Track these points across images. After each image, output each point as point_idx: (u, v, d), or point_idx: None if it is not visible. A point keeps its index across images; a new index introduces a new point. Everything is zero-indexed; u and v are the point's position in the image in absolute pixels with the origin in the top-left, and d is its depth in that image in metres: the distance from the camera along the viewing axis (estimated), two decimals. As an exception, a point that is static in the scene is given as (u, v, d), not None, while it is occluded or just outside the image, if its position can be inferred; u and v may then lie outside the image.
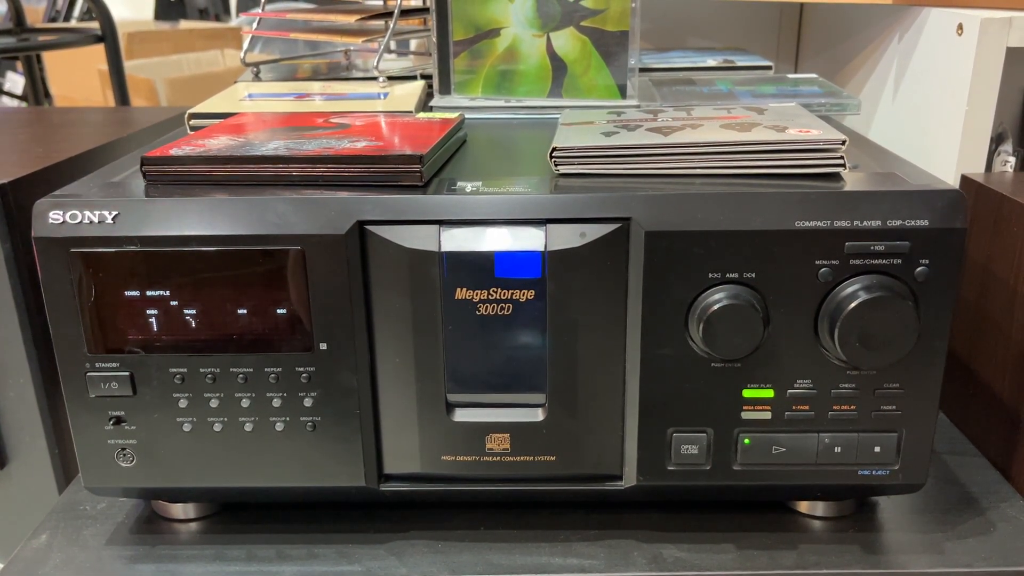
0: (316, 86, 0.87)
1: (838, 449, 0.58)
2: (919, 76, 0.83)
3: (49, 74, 2.74)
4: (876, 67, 0.92)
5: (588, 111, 0.71)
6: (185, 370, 0.58)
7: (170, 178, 0.58)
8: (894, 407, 0.57)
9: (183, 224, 0.55)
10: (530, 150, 0.69)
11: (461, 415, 0.59)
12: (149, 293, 0.56)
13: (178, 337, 0.57)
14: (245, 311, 0.56)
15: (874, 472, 0.59)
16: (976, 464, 0.71)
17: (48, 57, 2.65)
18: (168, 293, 0.56)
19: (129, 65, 2.35)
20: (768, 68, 0.95)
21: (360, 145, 0.59)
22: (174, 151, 0.59)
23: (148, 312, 0.56)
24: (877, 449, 0.58)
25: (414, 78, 0.92)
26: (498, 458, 0.60)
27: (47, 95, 2.79)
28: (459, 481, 0.61)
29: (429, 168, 0.58)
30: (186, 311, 0.56)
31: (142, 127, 1.01)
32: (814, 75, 0.89)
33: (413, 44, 1.22)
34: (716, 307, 0.54)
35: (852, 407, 0.57)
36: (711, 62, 0.98)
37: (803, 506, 0.64)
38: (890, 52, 0.89)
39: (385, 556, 0.61)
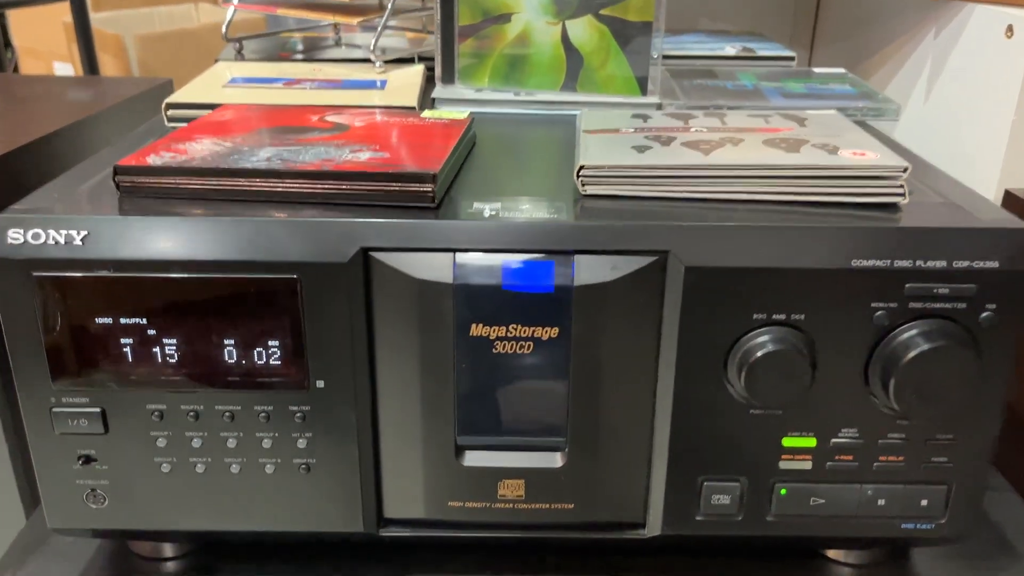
0: (305, 69, 0.80)
1: (882, 502, 0.54)
2: (958, 78, 0.78)
3: (12, 26, 2.60)
4: (905, 64, 0.86)
5: (609, 113, 0.65)
6: (164, 407, 0.51)
7: (147, 191, 0.51)
8: (945, 459, 0.53)
9: (162, 246, 0.48)
10: (548, 157, 0.63)
11: (472, 459, 0.53)
12: (123, 321, 0.49)
13: (155, 371, 0.50)
14: (232, 343, 0.50)
15: (918, 526, 0.55)
16: (1010, 501, 0.67)
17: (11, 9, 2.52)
18: (144, 322, 0.50)
19: (96, 18, 2.23)
20: (791, 59, 0.89)
21: (364, 157, 0.52)
22: (152, 159, 0.52)
23: (121, 342, 0.50)
24: (924, 503, 0.54)
25: (412, 60, 0.85)
26: (511, 505, 0.54)
27: (8, 45, 2.66)
28: (467, 527, 0.55)
29: (441, 186, 0.51)
30: (165, 342, 0.50)
31: (113, 103, 0.93)
32: (842, 70, 0.83)
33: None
34: (760, 352, 0.49)
35: (900, 458, 0.53)
36: (729, 50, 0.91)
37: (832, 552, 0.60)
38: (923, 48, 0.83)
39: (384, 606, 0.56)
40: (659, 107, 0.71)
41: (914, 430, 0.52)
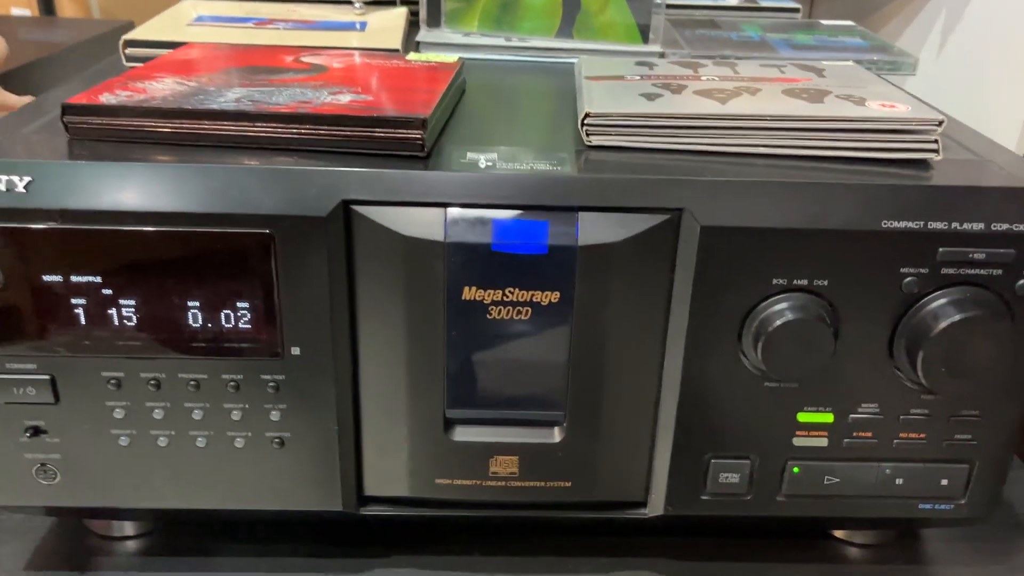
0: (278, 9, 0.73)
1: (900, 481, 0.50)
2: (976, 31, 0.73)
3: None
4: (917, 16, 0.82)
5: (610, 59, 0.60)
6: (121, 374, 0.46)
7: (100, 133, 0.46)
8: (969, 436, 0.49)
9: (117, 196, 0.43)
10: (544, 107, 0.58)
11: (462, 434, 0.49)
12: (73, 279, 0.44)
13: (111, 335, 0.45)
14: (197, 305, 0.45)
15: (936, 506, 0.51)
16: (1021, 480, 0.64)
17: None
18: (98, 280, 0.44)
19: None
20: (795, 11, 0.84)
21: (345, 100, 0.47)
22: (106, 98, 0.46)
23: (72, 303, 0.45)
24: (944, 482, 0.50)
25: (393, 2, 0.79)
26: (503, 483, 0.50)
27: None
28: (454, 506, 0.51)
29: (431, 133, 0.46)
30: (121, 303, 0.45)
31: (69, 44, 0.86)
32: (851, 23, 0.78)
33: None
34: (780, 321, 0.44)
35: (922, 435, 0.49)
36: None
37: (841, 532, 0.57)
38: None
39: (364, 590, 0.52)
40: (662, 56, 0.66)
41: (938, 405, 0.48)
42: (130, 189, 0.43)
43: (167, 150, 0.45)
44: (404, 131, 0.45)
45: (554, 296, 0.45)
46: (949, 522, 0.52)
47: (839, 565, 0.55)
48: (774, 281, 0.45)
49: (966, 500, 0.51)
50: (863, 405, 0.48)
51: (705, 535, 0.56)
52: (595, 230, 0.44)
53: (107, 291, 0.44)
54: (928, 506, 0.51)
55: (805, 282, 0.45)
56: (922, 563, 0.55)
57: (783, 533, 0.56)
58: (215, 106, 0.46)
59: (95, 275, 0.44)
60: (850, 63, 0.60)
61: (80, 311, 0.45)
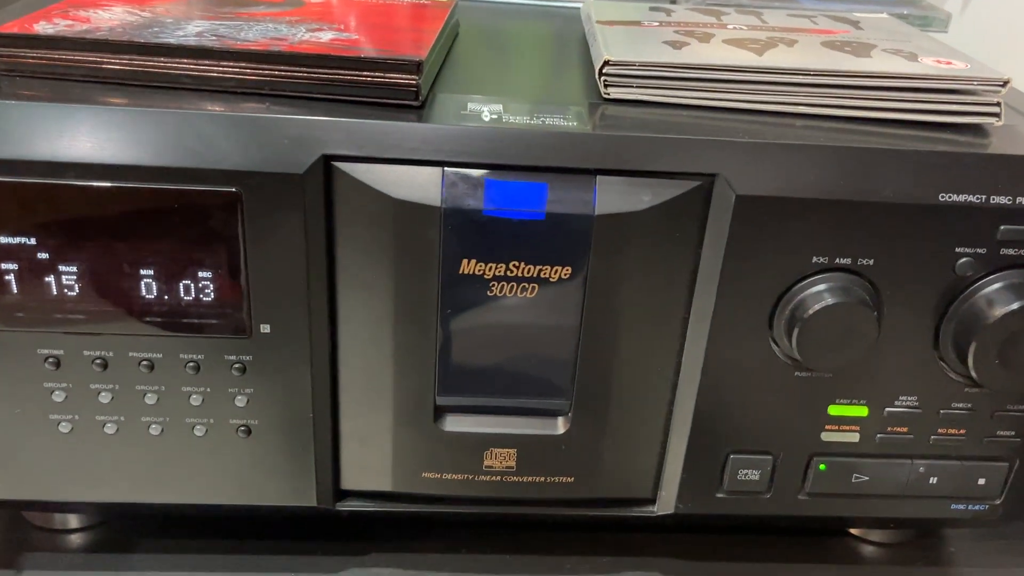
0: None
1: (933, 480, 0.46)
2: (1006, -12, 0.68)
3: None
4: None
5: (621, 4, 0.54)
6: (60, 352, 0.40)
7: (35, 68, 0.39)
8: (1012, 432, 0.45)
9: (55, 143, 0.36)
10: (548, 56, 0.52)
11: (454, 423, 0.43)
12: (3, 241, 0.38)
13: (49, 305, 0.39)
14: (151, 274, 0.39)
15: (969, 507, 0.47)
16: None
17: None
18: (33, 242, 0.38)
19: None
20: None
21: (325, 38, 0.41)
22: (42, 27, 0.39)
23: (2, 268, 0.38)
24: (981, 481, 0.46)
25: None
26: (499, 478, 0.45)
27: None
28: (442, 502, 0.46)
29: (426, 79, 0.40)
30: (61, 269, 0.38)
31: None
32: (871, -25, 0.72)
33: None
34: (819, 305, 0.39)
35: (961, 431, 0.44)
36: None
37: (857, 528, 0.52)
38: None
39: (339, 592, 0.46)
40: (674, 1, 0.60)
41: (983, 400, 0.44)
42: (70, 136, 0.36)
43: (115, 91, 0.38)
44: (395, 75, 0.38)
45: (564, 271, 0.39)
46: (981, 523, 0.48)
47: (857, 566, 0.51)
48: (814, 259, 0.40)
49: (1002, 500, 0.47)
50: (901, 398, 0.43)
51: (710, 532, 0.51)
52: (615, 197, 0.38)
53: (43, 255, 0.38)
54: (961, 506, 0.47)
55: (848, 261, 0.40)
56: (944, 564, 0.51)
57: (795, 531, 0.52)
58: (172, 41, 0.39)
59: (29, 236, 0.37)
60: (884, 15, 0.54)
61: (11, 277, 0.38)
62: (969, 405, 0.44)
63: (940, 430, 0.44)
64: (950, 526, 0.50)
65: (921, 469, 0.45)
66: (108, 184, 0.36)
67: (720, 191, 0.38)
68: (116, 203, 0.37)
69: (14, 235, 0.37)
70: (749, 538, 0.51)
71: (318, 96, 0.39)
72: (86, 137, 0.36)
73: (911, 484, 0.46)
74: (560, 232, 0.39)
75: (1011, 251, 0.40)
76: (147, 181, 0.37)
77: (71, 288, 0.39)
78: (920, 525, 0.50)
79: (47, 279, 0.38)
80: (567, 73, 0.47)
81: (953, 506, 0.47)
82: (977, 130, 0.42)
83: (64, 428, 0.42)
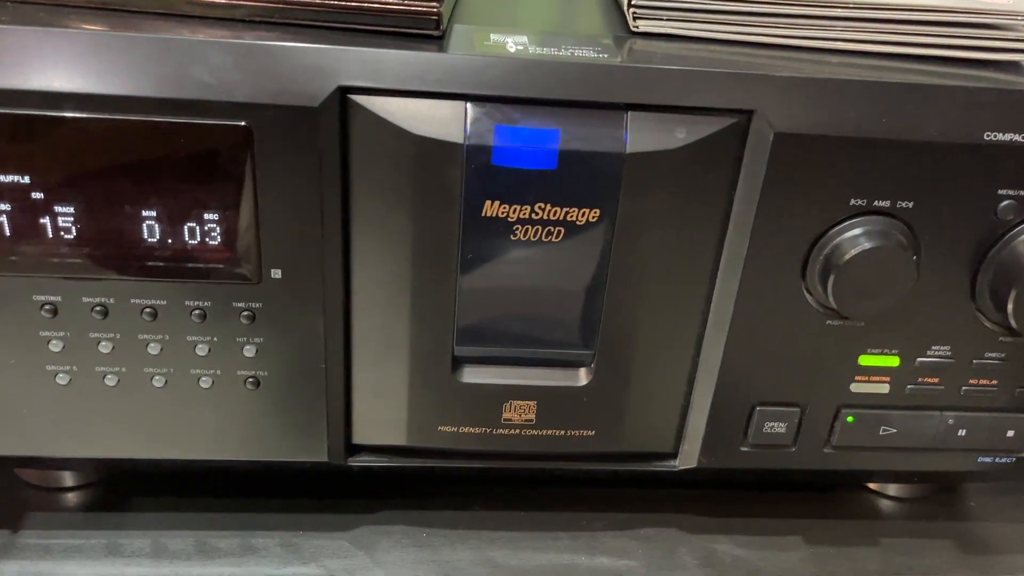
0: None
1: (963, 432, 0.44)
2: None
3: None
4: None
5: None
6: (58, 298, 0.38)
7: (26, -8, 0.36)
8: (1045, 383, 0.44)
9: (51, 73, 0.34)
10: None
11: (472, 375, 0.42)
12: (-5, 179, 0.35)
13: (45, 249, 0.36)
14: (154, 216, 0.36)
15: (996, 460, 0.46)
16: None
17: None
18: (28, 181, 0.35)
19: None
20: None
21: (338, -37, 0.38)
22: (32, -53, 0.37)
23: (-5, 209, 0.36)
24: (1010, 434, 0.45)
25: None
26: (518, 431, 0.43)
27: None
28: (458, 456, 0.44)
29: (447, 7, 0.38)
30: (58, 210, 0.36)
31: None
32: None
33: None
34: (856, 250, 0.38)
35: (993, 382, 0.43)
36: None
37: (874, 483, 0.51)
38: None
39: (350, 551, 0.45)
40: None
41: (1017, 349, 0.42)
42: (67, 64, 0.34)
43: (115, 17, 0.36)
44: (415, 2, 0.36)
45: (593, 214, 0.38)
46: (1007, 476, 0.47)
47: (877, 521, 0.50)
48: (852, 201, 0.38)
49: (1028, 453, 0.46)
50: (933, 347, 0.42)
51: (727, 487, 0.50)
52: (647, 134, 0.36)
53: (38, 194, 0.35)
54: (988, 459, 0.46)
55: (887, 203, 0.38)
56: (964, 518, 0.50)
57: (811, 486, 0.51)
58: (175, -36, 0.36)
59: (22, 174, 0.35)
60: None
61: (4, 219, 0.36)
62: (1003, 355, 0.42)
63: (972, 380, 0.43)
64: (974, 480, 0.49)
65: (950, 421, 0.44)
66: (108, 117, 0.34)
67: (758, 128, 0.36)
68: (116, 138, 0.34)
69: (6, 172, 0.35)
70: (766, 494, 0.50)
71: (332, 24, 0.36)
72: (84, 66, 0.34)
73: (939, 436, 0.45)
74: (589, 172, 0.37)
75: (1055, 194, 0.38)
76: (150, 114, 0.34)
77: (68, 230, 0.36)
78: (943, 479, 0.49)
79: (43, 220, 0.36)
80: (588, 7, 0.45)
81: (980, 459, 0.46)
82: (1017, 68, 0.40)
83: (62, 380, 0.39)
